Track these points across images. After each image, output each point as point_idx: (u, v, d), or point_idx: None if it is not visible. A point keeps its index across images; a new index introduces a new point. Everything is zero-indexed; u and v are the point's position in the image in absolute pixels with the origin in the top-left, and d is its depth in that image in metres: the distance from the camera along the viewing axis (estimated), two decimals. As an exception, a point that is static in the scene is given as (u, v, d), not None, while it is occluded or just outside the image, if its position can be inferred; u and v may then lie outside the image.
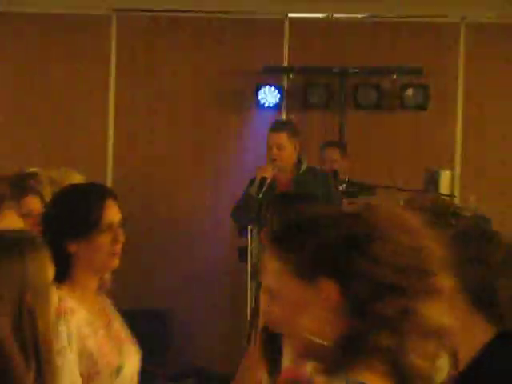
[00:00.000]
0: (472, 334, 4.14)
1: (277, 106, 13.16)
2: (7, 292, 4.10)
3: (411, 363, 2.75)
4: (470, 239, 4.62)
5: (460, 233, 4.87)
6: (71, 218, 5.70)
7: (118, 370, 5.30)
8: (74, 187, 6.61)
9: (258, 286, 7.09)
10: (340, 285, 2.68)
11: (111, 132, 12.90)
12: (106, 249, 5.67)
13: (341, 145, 12.30)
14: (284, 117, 13.02)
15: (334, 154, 12.03)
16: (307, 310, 2.81)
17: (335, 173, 11.97)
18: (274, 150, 11.00)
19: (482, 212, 8.49)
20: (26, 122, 12.83)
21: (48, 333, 4.26)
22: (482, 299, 4.13)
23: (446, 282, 2.90)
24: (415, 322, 2.72)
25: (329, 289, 2.69)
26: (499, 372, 4.14)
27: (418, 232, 2.87)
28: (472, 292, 4.07)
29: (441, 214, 5.69)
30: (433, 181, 11.75)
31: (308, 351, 2.87)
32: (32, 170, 8.59)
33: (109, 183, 12.57)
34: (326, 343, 2.73)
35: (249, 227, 11.26)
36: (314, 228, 2.91)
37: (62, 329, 5.47)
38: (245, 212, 11.20)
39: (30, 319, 4.12)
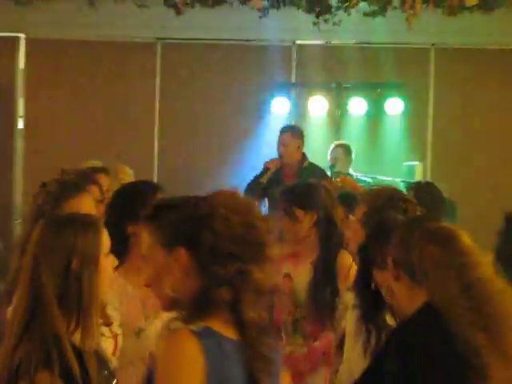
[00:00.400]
0: (411, 301, 4.50)
1: (286, 114, 13.77)
2: (57, 257, 4.36)
3: (247, 314, 3.46)
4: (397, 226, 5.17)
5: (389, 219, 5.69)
6: (131, 204, 6.05)
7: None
8: (133, 183, 7.49)
9: None
10: (190, 253, 3.45)
11: (157, 137, 13.64)
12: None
13: (346, 147, 12.79)
14: (292, 122, 13.38)
15: (341, 154, 12.65)
16: (169, 273, 3.53)
17: (332, 166, 12.38)
18: (281, 148, 11.83)
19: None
20: (86, 129, 13.14)
21: (93, 293, 4.39)
22: (414, 275, 4.48)
23: (274, 251, 3.74)
24: (249, 281, 3.48)
25: (182, 256, 3.46)
26: (413, 328, 4.49)
27: (250, 212, 3.65)
28: (407, 269, 4.48)
29: (394, 200, 6.38)
30: (410, 171, 12.91)
31: (170, 304, 3.61)
32: (92, 164, 9.27)
33: (154, 177, 12.89)
34: (182, 297, 3.51)
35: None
36: (172, 209, 3.68)
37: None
38: (251, 193, 11.38)
39: (75, 280, 4.34)
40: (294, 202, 6.86)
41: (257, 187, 11.80)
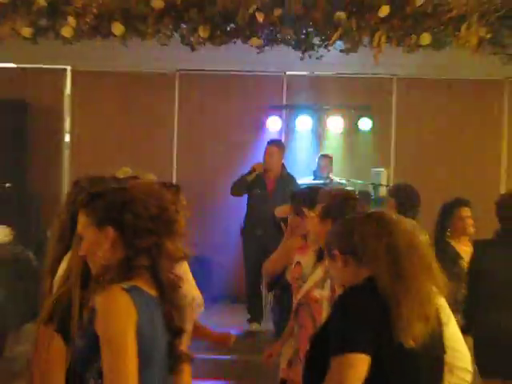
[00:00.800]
0: (356, 277, 4.33)
1: (278, 130, 13.91)
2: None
3: (163, 275, 3.80)
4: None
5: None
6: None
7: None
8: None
9: None
10: (117, 231, 3.71)
11: (175, 149, 13.78)
12: None
13: (329, 157, 13.05)
14: (283, 137, 13.64)
15: (325, 163, 12.91)
16: (100, 247, 3.79)
17: (316, 171, 13.00)
18: (267, 157, 11.92)
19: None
20: (118, 143, 13.21)
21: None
22: (359, 258, 4.30)
23: (182, 224, 4.12)
24: (163, 251, 3.78)
25: (110, 233, 3.72)
26: (350, 291, 4.32)
27: (162, 198, 3.93)
28: (353, 254, 4.31)
29: (346, 200, 6.37)
30: (377, 176, 12.93)
31: (103, 271, 3.77)
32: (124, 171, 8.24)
33: (174, 180, 12.60)
34: (111, 265, 3.73)
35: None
36: (101, 197, 3.90)
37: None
38: (237, 188, 12.15)
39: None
40: (302, 202, 6.91)
41: (242, 183, 12.00)
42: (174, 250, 4.13)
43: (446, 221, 8.51)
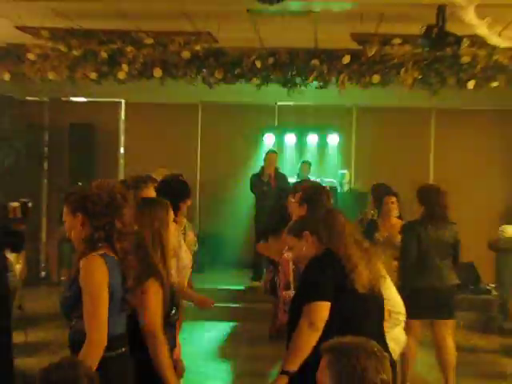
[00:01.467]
0: (313, 251, 4.50)
1: (272, 144, 13.63)
2: (147, 224, 4.46)
3: (119, 245, 3.95)
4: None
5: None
6: (181, 193, 6.40)
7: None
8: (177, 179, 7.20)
9: None
10: (83, 215, 3.88)
11: (198, 158, 13.72)
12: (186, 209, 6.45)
13: (308, 163, 12.89)
14: (275, 149, 13.19)
15: (305, 167, 12.77)
16: (75, 229, 3.95)
17: (300, 173, 12.88)
18: (268, 161, 12.02)
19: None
20: (158, 155, 12.77)
21: (167, 242, 4.56)
22: (321, 237, 4.52)
23: (127, 211, 4.14)
24: (114, 228, 3.93)
25: (80, 218, 3.91)
26: (315, 259, 4.48)
27: (112, 189, 4.07)
28: (318, 235, 4.49)
29: (319, 190, 6.67)
30: (342, 176, 12.97)
31: (79, 245, 3.96)
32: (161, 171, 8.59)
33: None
34: (84, 239, 3.88)
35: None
36: (74, 193, 4.05)
37: (181, 239, 6.17)
38: (254, 186, 12.19)
39: (158, 235, 4.50)
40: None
41: (256, 182, 12.10)
42: (122, 227, 4.26)
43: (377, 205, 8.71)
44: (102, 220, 4.18)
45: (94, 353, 3.72)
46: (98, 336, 3.75)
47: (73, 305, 3.89)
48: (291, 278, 6.10)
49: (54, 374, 2.97)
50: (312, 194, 6.70)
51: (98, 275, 3.83)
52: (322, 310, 4.12)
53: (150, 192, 6.12)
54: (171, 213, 4.70)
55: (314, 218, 4.68)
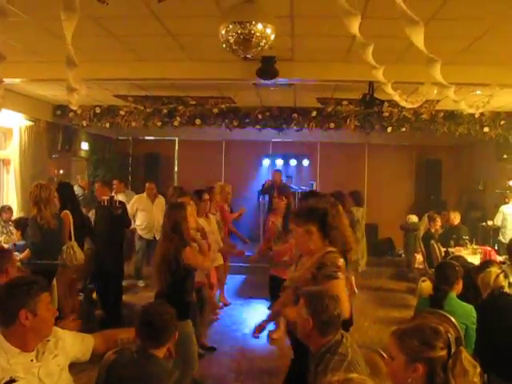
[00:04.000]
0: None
1: (268, 166, 13.57)
2: (181, 217, 4.14)
3: (45, 224, 4.48)
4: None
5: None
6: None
7: None
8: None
9: None
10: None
11: (223, 177, 13.30)
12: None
13: (280, 171, 11.91)
14: (270, 169, 13.14)
15: (277, 174, 11.51)
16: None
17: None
18: (274, 177, 11.24)
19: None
20: (200, 176, 12.55)
21: (185, 227, 4.15)
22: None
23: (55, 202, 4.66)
24: (43, 212, 4.48)
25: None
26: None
27: (47, 190, 4.64)
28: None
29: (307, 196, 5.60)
30: (311, 185, 12.82)
31: None
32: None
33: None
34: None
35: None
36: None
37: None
38: (261, 192, 11.81)
39: (185, 224, 4.13)
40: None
41: (264, 190, 11.63)
42: (47, 213, 5.02)
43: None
44: (38, 207, 5.36)
45: None
46: None
47: None
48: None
49: (151, 309, 2.84)
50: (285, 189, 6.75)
51: None
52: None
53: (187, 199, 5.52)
54: (189, 210, 4.35)
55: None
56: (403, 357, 1.94)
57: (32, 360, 2.39)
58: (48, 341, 2.50)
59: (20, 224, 6.58)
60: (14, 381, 2.29)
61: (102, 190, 7.26)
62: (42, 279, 2.51)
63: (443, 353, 1.91)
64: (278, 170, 12.03)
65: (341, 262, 3.22)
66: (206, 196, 6.29)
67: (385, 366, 2.38)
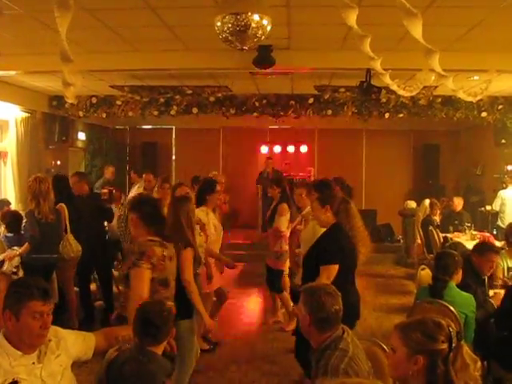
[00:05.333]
0: (329, 221, 3.77)
1: (265, 152, 13.39)
2: (184, 212, 4.01)
3: (43, 216, 4.57)
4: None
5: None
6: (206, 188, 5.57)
7: None
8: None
9: None
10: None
11: (221, 164, 13.36)
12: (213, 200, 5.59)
13: (270, 158, 12.44)
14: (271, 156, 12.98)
15: (269, 161, 12.07)
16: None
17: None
18: (268, 163, 11.81)
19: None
20: (197, 164, 12.33)
21: (192, 223, 4.06)
22: (336, 211, 3.87)
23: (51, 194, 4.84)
24: (41, 206, 4.74)
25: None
26: (328, 230, 3.82)
27: (43, 183, 4.90)
28: (333, 207, 3.80)
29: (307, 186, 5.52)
30: (308, 171, 12.78)
31: None
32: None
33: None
34: None
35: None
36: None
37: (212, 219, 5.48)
38: (259, 182, 11.80)
39: (189, 220, 4.00)
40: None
41: (261, 180, 11.64)
42: (44, 205, 5.12)
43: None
44: (35, 200, 5.43)
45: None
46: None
47: None
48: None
49: (148, 306, 2.78)
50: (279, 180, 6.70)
51: None
52: (334, 269, 3.62)
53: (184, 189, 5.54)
54: (193, 204, 4.22)
55: (334, 199, 3.91)
56: (405, 349, 1.98)
57: (33, 363, 2.40)
58: (50, 341, 2.49)
59: (5, 217, 6.25)
60: (17, 382, 2.30)
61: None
62: (44, 288, 2.43)
63: (444, 346, 1.94)
64: (269, 158, 12.20)
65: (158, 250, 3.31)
66: (219, 187, 5.93)
67: (386, 359, 2.48)
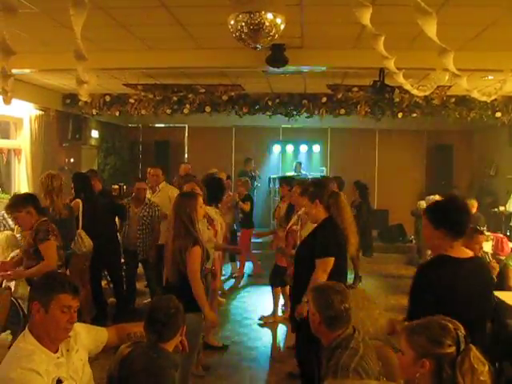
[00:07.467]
0: (320, 216, 4.00)
1: (278, 152, 13.38)
2: (183, 213, 3.91)
3: (57, 212, 4.72)
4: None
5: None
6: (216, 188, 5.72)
7: None
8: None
9: None
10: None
11: (233, 161, 13.31)
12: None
13: (300, 163, 12.64)
14: (280, 155, 13.14)
15: (298, 165, 12.48)
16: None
17: (295, 169, 12.57)
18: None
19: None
20: (207, 160, 12.13)
21: (194, 220, 3.88)
22: (328, 206, 4.07)
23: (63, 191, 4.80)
24: (55, 201, 4.58)
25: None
26: (322, 222, 4.00)
27: (56, 180, 5.04)
28: (324, 203, 4.01)
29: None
30: (322, 171, 12.78)
31: None
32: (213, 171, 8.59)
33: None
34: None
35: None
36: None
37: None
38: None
39: (194, 216, 3.89)
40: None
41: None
42: (57, 201, 5.15)
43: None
44: (49, 197, 5.47)
45: None
46: None
47: None
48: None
49: (156, 303, 2.76)
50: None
51: None
52: (330, 262, 3.76)
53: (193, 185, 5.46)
54: (199, 201, 4.09)
55: (324, 192, 4.09)
56: (412, 352, 1.97)
57: (61, 361, 2.41)
58: (69, 337, 2.50)
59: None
60: (61, 381, 2.32)
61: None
62: (74, 284, 2.46)
63: (451, 350, 1.91)
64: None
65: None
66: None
67: (397, 360, 2.42)
